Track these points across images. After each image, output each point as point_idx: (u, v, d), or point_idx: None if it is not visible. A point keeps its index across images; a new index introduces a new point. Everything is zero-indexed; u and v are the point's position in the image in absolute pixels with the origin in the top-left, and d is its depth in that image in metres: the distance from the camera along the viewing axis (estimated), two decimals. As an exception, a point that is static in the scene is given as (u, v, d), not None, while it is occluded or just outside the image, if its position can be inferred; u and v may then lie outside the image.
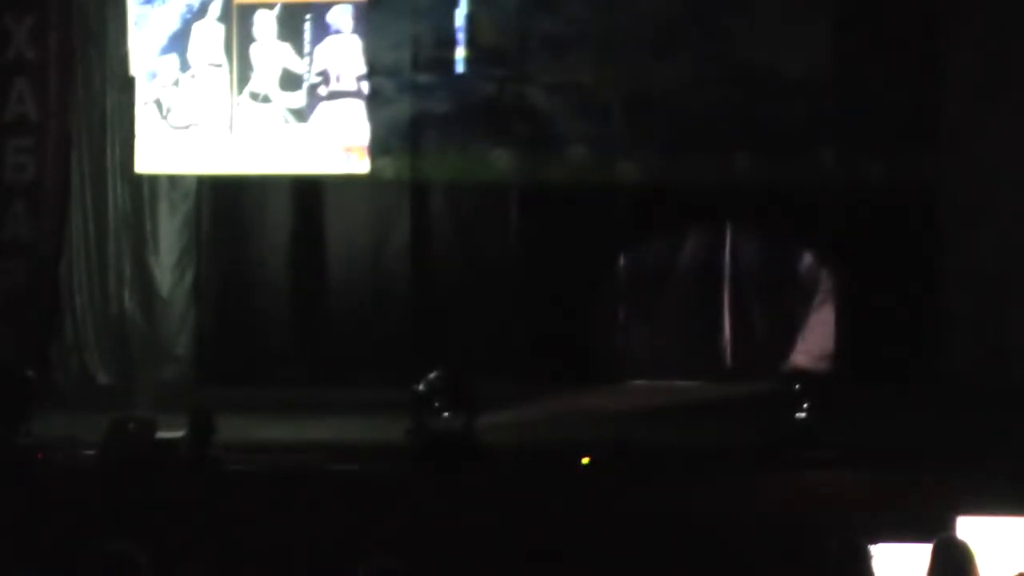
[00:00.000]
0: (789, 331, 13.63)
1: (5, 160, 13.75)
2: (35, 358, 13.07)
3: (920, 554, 6.65)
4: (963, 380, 12.72)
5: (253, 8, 13.64)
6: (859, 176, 13.18)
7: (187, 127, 13.67)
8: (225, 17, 13.64)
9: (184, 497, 8.90)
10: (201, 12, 13.65)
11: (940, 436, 10.90)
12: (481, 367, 11.81)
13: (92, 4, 13.86)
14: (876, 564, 6.47)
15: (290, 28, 13.59)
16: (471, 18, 13.62)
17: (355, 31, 13.58)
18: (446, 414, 10.18)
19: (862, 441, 10.35)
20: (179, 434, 9.57)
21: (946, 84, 13.17)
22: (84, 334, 13.87)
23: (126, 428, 9.67)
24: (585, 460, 9.72)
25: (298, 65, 13.60)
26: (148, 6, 13.67)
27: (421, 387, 10.39)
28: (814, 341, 13.56)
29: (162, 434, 9.68)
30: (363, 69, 13.56)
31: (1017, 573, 6.68)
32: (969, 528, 7.33)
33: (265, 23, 13.62)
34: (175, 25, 13.66)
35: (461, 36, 13.63)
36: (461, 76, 13.65)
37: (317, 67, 13.58)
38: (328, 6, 13.59)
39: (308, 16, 13.58)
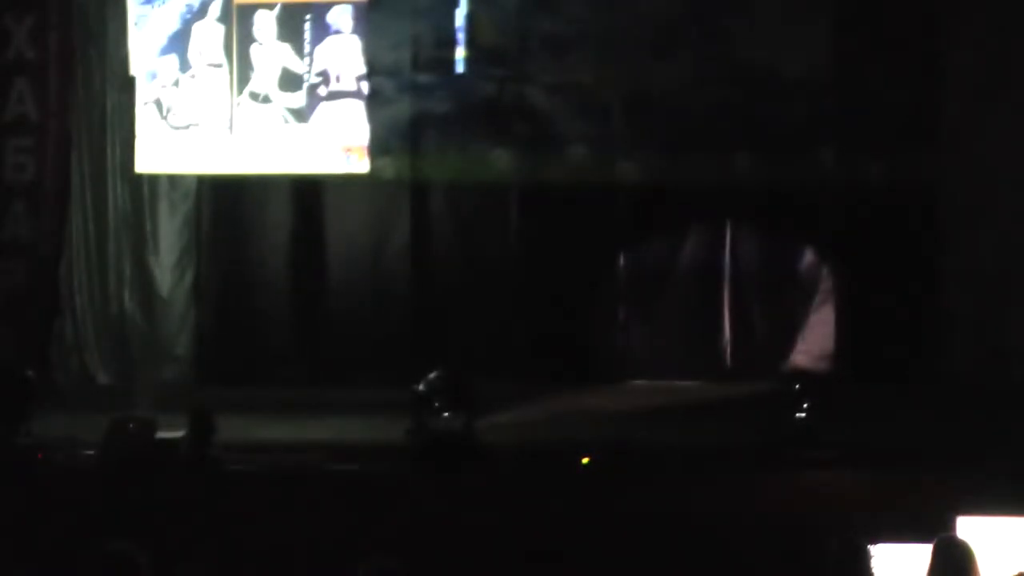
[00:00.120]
0: (789, 331, 13.63)
1: (5, 160, 13.75)
2: (35, 358, 13.08)
3: (920, 554, 6.65)
4: (963, 380, 12.71)
5: (253, 8, 13.64)
6: (859, 176, 13.18)
7: (187, 127, 13.67)
8: (225, 17, 13.64)
9: (184, 497, 8.89)
10: (201, 12, 13.65)
11: (940, 436, 10.90)
12: (481, 367, 11.82)
13: (92, 4, 13.86)
14: (876, 564, 6.47)
15: (290, 28, 13.59)
16: (471, 18, 13.62)
17: (355, 31, 13.58)
18: (446, 414, 10.19)
19: (862, 441, 10.35)
20: (179, 434, 9.57)
21: (946, 84, 13.17)
22: (84, 334, 13.87)
23: (126, 428, 9.67)
24: (585, 460, 9.71)
25: (298, 65, 13.60)
26: (148, 6, 13.67)
27: (421, 387, 10.40)
28: (814, 341, 13.55)
29: (162, 434, 9.68)
30: (363, 69, 13.56)
31: (1017, 573, 6.68)
32: (969, 528, 7.34)
33: (265, 23, 13.62)
34: (175, 25, 13.67)
35: (461, 36, 13.62)
36: (461, 76, 13.65)
37: (317, 67, 13.58)
38: (328, 6, 13.59)
39: (308, 16, 13.58)
